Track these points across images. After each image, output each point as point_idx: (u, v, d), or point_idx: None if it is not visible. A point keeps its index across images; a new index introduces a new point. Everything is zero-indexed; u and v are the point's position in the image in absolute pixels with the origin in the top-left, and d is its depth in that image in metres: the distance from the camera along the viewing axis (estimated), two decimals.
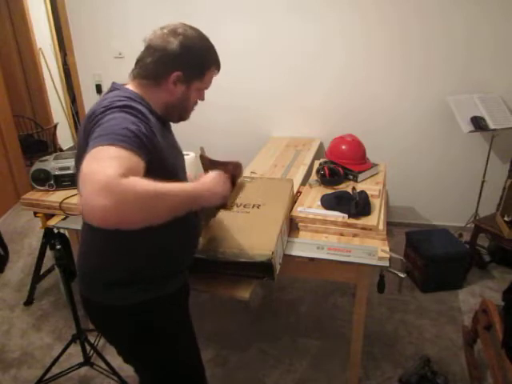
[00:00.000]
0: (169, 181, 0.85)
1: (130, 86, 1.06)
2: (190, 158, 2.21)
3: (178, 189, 0.87)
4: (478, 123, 2.59)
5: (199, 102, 1.16)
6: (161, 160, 0.96)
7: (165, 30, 1.04)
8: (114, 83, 1.08)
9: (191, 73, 1.06)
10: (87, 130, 0.91)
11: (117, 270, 1.08)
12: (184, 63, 1.03)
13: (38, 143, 4.15)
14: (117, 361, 2.00)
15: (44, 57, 4.70)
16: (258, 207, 1.56)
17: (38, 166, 2.03)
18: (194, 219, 1.17)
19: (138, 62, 1.07)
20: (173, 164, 1.05)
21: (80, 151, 0.95)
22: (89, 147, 0.82)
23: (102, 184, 0.71)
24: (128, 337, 1.14)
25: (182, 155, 1.20)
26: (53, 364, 1.91)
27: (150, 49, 1.04)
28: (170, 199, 0.84)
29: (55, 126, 4.20)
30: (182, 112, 1.12)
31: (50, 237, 2.19)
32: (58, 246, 1.78)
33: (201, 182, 1.00)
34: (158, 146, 0.95)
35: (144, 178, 0.79)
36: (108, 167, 0.74)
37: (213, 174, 1.05)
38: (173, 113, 1.10)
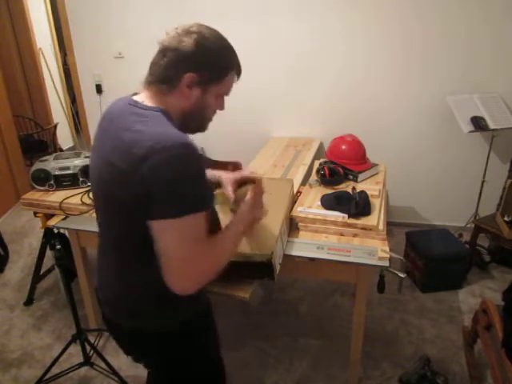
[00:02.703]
0: None
1: (146, 96, 0.99)
2: None
3: (237, 238, 1.06)
4: (478, 123, 2.59)
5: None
6: None
7: (178, 30, 0.96)
8: (134, 101, 0.98)
9: (207, 74, 0.97)
10: (129, 165, 0.87)
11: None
12: (199, 63, 0.95)
13: (38, 143, 4.15)
14: (117, 361, 2.01)
15: (44, 57, 4.70)
16: None
17: (37, 166, 2.03)
18: None
19: (152, 66, 0.99)
20: None
21: (107, 173, 0.93)
22: (166, 211, 0.86)
23: (197, 281, 0.93)
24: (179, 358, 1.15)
25: None
26: (53, 364, 1.91)
27: (163, 51, 0.96)
28: (234, 250, 1.06)
29: (55, 126, 4.20)
30: (200, 122, 1.05)
31: (50, 237, 2.19)
32: (58, 246, 1.78)
33: (241, 218, 1.10)
34: None
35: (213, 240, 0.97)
36: (199, 261, 0.91)
37: (247, 206, 1.13)
38: (191, 122, 1.02)
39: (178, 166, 0.85)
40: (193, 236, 0.89)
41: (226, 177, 1.31)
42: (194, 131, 1.05)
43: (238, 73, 1.04)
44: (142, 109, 0.95)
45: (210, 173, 1.28)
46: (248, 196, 1.14)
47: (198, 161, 0.88)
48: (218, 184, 1.30)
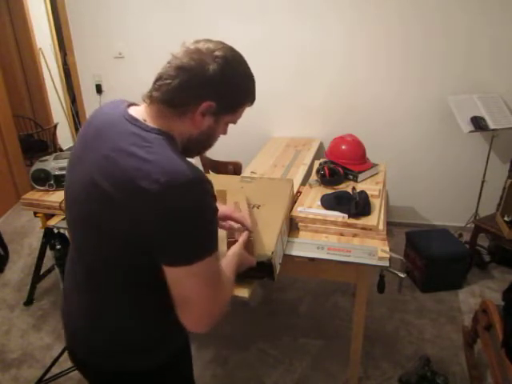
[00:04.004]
0: None
1: (147, 114, 0.87)
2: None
3: (234, 269, 1.01)
4: (478, 123, 2.59)
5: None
6: None
7: (201, 46, 0.85)
8: (133, 118, 0.86)
9: (224, 105, 0.88)
10: (132, 198, 0.77)
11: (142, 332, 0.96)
12: (219, 93, 0.86)
13: (38, 143, 4.15)
14: None
15: (44, 57, 4.70)
16: (257, 207, 1.56)
17: (38, 166, 2.03)
18: None
19: (159, 80, 0.85)
20: None
21: (91, 194, 0.82)
22: (185, 256, 0.79)
23: (212, 316, 0.86)
24: None
25: None
26: (53, 364, 1.92)
27: (179, 69, 0.83)
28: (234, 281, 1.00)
29: (55, 126, 4.20)
30: (203, 148, 0.97)
31: (50, 237, 2.19)
32: (58, 246, 1.78)
33: (233, 253, 1.08)
34: None
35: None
36: (218, 300, 0.86)
37: (240, 245, 1.12)
38: (194, 148, 0.94)
39: (197, 206, 0.77)
40: (212, 278, 0.83)
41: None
42: (193, 156, 0.99)
43: (253, 101, 0.98)
44: (143, 130, 0.83)
45: None
46: (241, 239, 1.15)
47: (213, 196, 0.82)
48: None
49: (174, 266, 0.79)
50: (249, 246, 1.20)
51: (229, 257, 1.04)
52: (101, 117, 0.91)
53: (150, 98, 0.86)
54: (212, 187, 0.82)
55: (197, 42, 0.87)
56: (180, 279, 0.80)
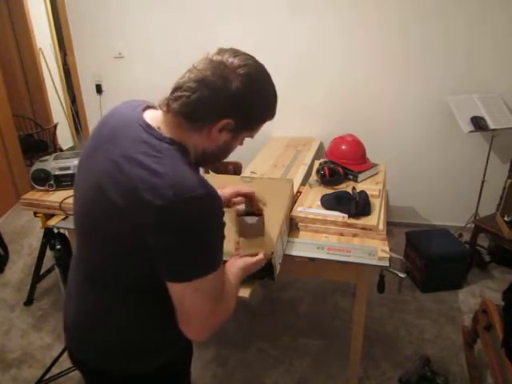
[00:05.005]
0: None
1: (162, 122, 0.84)
2: None
3: (237, 282, 0.97)
4: (478, 123, 2.59)
5: None
6: None
7: (225, 60, 0.81)
8: (147, 125, 0.84)
9: (243, 123, 0.86)
10: (136, 209, 0.76)
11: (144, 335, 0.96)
12: (239, 111, 0.83)
13: (38, 143, 4.15)
14: None
15: (44, 57, 4.70)
16: None
17: (37, 165, 2.03)
18: None
19: (178, 90, 0.82)
20: None
21: (101, 203, 0.81)
22: (189, 272, 0.78)
23: (212, 327, 0.85)
24: None
25: None
26: (53, 364, 1.91)
27: (200, 82, 0.80)
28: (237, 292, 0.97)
29: (55, 126, 4.20)
30: (217, 160, 0.95)
31: (50, 237, 2.19)
32: (58, 246, 1.78)
33: (241, 267, 1.02)
34: None
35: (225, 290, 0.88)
36: (219, 313, 0.85)
37: (245, 261, 1.05)
38: (209, 160, 0.92)
39: (203, 222, 0.76)
40: (214, 293, 0.82)
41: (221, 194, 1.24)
42: (205, 166, 0.99)
43: (272, 117, 0.93)
44: (156, 138, 0.81)
45: None
46: (255, 259, 1.08)
47: (222, 212, 0.80)
48: None
49: (176, 282, 0.79)
50: (260, 226, 1.16)
51: (235, 270, 0.99)
52: (116, 117, 0.90)
53: (167, 107, 0.83)
54: (222, 203, 0.81)
55: (222, 52, 0.84)
56: (181, 294, 0.80)
